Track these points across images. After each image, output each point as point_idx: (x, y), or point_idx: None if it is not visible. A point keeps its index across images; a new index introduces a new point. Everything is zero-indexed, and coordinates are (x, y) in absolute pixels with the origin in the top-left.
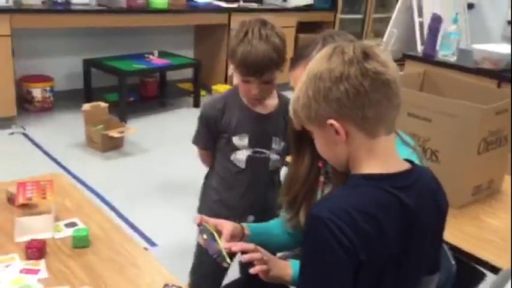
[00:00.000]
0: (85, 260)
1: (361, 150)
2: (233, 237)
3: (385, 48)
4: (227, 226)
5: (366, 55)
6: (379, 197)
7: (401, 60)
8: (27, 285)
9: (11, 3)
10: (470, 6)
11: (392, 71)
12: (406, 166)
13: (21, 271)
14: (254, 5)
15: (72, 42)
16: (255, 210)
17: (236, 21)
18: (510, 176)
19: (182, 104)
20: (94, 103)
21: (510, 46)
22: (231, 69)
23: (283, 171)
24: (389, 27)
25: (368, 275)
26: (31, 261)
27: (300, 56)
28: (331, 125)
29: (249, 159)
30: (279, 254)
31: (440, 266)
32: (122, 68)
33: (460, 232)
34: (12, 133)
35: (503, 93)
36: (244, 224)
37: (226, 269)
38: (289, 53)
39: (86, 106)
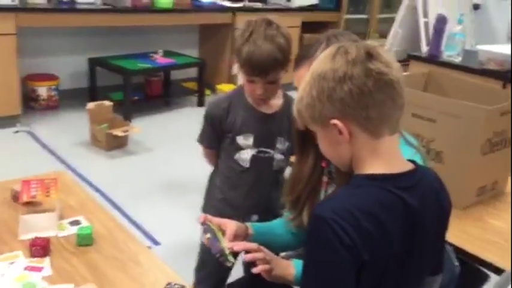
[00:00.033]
0: (89, 258)
1: (365, 150)
2: (236, 237)
3: (389, 48)
4: (230, 225)
5: (370, 55)
6: (382, 197)
7: (406, 60)
8: (31, 282)
9: (16, 2)
10: (476, 6)
11: (395, 71)
12: (410, 166)
13: (25, 268)
14: (259, 5)
15: (77, 41)
16: (259, 209)
17: (241, 20)
18: (510, 177)
19: (186, 103)
20: (99, 102)
21: (510, 46)
22: (235, 68)
23: (288, 171)
24: (393, 28)
25: (371, 275)
26: (35, 258)
27: (304, 56)
28: (335, 125)
29: (253, 158)
30: (282, 254)
31: (443, 267)
32: (127, 67)
33: (463, 233)
34: (17, 131)
35: (508, 94)
36: (247, 224)
37: (230, 268)
38: (294, 53)
39: (91, 105)
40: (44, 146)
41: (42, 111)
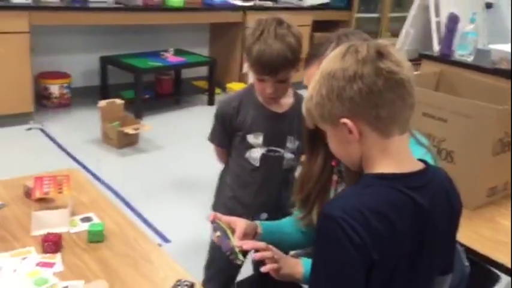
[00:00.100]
0: (100, 254)
1: (375, 149)
2: (246, 235)
3: (401, 47)
4: (240, 224)
5: (380, 54)
6: (392, 196)
7: (417, 59)
8: (43, 278)
9: (30, 0)
10: (489, 5)
11: (406, 71)
12: (420, 166)
13: (37, 264)
14: (269, 4)
15: (89, 40)
16: (268, 208)
17: (251, 19)
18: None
19: (197, 102)
20: (110, 100)
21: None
22: (245, 67)
23: (298, 170)
24: (405, 27)
25: (380, 275)
26: (47, 254)
27: (314, 54)
28: (344, 124)
29: (263, 157)
30: (292, 253)
31: (453, 267)
32: (138, 66)
33: (474, 234)
34: (29, 129)
35: None
36: (257, 222)
37: (239, 266)
38: (305, 52)
39: (102, 103)
40: (56, 143)
41: (54, 109)
